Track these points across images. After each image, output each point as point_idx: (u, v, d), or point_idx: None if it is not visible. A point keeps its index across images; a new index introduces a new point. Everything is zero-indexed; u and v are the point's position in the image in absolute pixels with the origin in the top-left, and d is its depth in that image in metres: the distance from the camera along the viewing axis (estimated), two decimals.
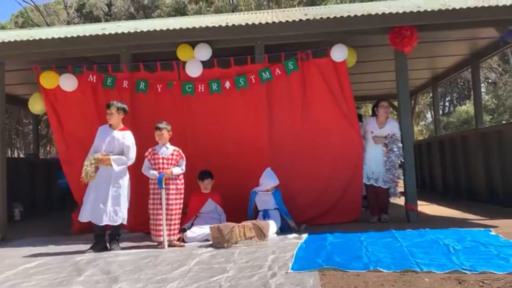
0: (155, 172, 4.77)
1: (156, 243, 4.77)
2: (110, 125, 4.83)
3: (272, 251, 4.13)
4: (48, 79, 5.82)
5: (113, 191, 4.64)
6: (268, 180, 5.31)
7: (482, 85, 19.38)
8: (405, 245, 4.07)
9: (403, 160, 5.69)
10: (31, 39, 5.65)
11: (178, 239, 4.86)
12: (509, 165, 6.35)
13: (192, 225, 5.15)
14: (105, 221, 4.59)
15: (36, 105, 6.14)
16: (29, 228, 6.72)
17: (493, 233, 4.51)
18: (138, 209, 5.11)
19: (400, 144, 5.66)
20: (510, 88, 18.09)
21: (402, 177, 5.86)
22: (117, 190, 4.66)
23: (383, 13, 5.33)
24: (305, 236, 4.79)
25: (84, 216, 4.63)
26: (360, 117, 6.54)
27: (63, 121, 5.91)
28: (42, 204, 8.80)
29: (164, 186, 4.70)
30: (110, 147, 4.73)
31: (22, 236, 5.78)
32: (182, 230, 5.00)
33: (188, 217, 5.20)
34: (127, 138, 4.79)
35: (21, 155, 21.02)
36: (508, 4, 5.25)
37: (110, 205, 4.61)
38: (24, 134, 19.87)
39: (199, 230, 4.99)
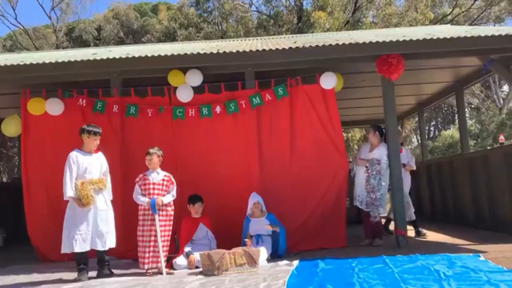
0: (146, 199, 4.69)
1: (144, 271, 4.67)
2: (81, 149, 4.71)
3: (264, 279, 4.07)
4: (35, 106, 5.77)
5: (110, 214, 4.67)
6: (250, 201, 5.30)
7: (466, 110, 19.83)
8: (396, 271, 4.06)
9: (383, 183, 5.74)
10: (22, 63, 5.63)
11: (168, 266, 4.78)
12: (495, 190, 6.44)
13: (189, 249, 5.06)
14: (109, 244, 4.58)
15: (11, 128, 6.08)
16: (12, 254, 6.53)
17: (482, 258, 4.53)
18: (127, 235, 5.02)
19: (379, 168, 5.74)
20: (492, 114, 18.55)
21: (382, 201, 5.81)
22: (111, 213, 4.69)
23: (370, 42, 5.48)
24: (296, 262, 4.74)
25: (84, 245, 4.46)
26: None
27: (40, 146, 5.80)
28: (25, 229, 8.55)
29: (157, 211, 4.65)
30: (97, 170, 4.68)
31: (5, 263, 5.61)
32: (189, 253, 4.92)
33: (182, 243, 5.10)
34: (105, 160, 4.82)
35: (4, 179, 20.56)
36: (489, 35, 5.45)
37: (110, 228, 4.63)
38: (8, 157, 19.51)
39: None
